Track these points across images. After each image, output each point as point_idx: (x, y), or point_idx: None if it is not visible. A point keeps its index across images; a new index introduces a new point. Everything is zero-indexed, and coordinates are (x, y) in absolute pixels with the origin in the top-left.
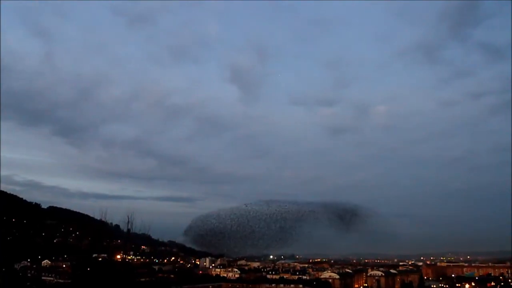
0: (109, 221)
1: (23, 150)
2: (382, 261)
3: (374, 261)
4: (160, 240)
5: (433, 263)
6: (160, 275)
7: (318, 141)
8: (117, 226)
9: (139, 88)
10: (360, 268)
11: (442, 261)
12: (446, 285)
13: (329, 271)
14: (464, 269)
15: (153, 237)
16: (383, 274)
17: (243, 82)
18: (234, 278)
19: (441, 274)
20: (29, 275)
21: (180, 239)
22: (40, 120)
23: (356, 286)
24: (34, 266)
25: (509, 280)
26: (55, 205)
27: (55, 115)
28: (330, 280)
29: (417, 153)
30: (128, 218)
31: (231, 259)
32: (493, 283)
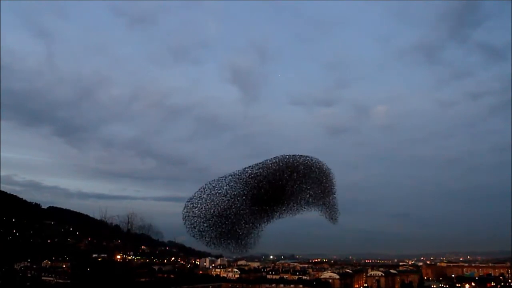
0: (108, 221)
1: (23, 150)
2: (382, 261)
3: (374, 261)
4: (160, 240)
5: (433, 263)
6: (159, 275)
7: (318, 141)
8: (117, 226)
9: (139, 88)
10: (360, 268)
11: (442, 261)
12: (446, 285)
13: (329, 271)
14: (464, 269)
15: (152, 237)
16: (383, 274)
17: (243, 82)
18: (234, 278)
19: (441, 274)
20: (29, 275)
21: (179, 239)
22: (40, 120)
23: (356, 286)
24: (34, 266)
25: (509, 280)
26: (55, 205)
27: (55, 115)
28: (330, 280)
29: (416, 153)
30: (128, 218)
31: (231, 259)
32: (493, 283)
